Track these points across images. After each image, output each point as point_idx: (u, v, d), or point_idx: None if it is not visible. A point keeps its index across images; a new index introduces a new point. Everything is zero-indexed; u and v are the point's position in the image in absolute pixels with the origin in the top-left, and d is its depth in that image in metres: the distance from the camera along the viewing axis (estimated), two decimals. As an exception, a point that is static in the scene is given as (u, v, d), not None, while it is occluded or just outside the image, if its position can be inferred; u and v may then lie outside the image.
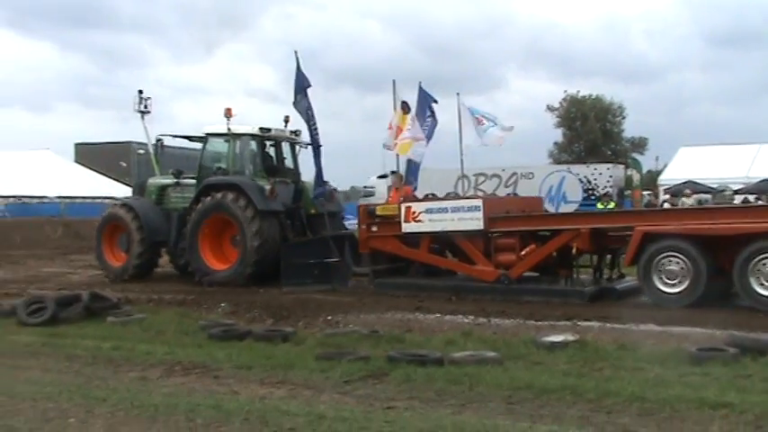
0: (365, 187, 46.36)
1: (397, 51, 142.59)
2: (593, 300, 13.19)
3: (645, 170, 53.72)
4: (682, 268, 12.40)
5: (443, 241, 15.14)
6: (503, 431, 6.34)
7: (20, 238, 30.90)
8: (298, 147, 18.40)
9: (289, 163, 18.31)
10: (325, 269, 15.52)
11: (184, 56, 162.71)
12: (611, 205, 28.38)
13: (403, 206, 15.28)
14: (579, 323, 11.23)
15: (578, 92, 66.41)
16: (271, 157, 18.07)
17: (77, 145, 71.10)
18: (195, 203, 16.70)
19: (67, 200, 43.45)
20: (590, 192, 38.24)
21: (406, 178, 19.35)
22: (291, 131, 18.11)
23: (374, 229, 15.54)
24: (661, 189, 42.58)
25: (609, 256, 14.47)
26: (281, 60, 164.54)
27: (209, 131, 17.67)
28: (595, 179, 39.02)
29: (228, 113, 16.94)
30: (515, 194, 30.18)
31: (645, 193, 44.36)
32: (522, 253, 14.04)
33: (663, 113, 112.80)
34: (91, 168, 54.74)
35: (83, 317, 12.54)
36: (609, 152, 63.32)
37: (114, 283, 17.07)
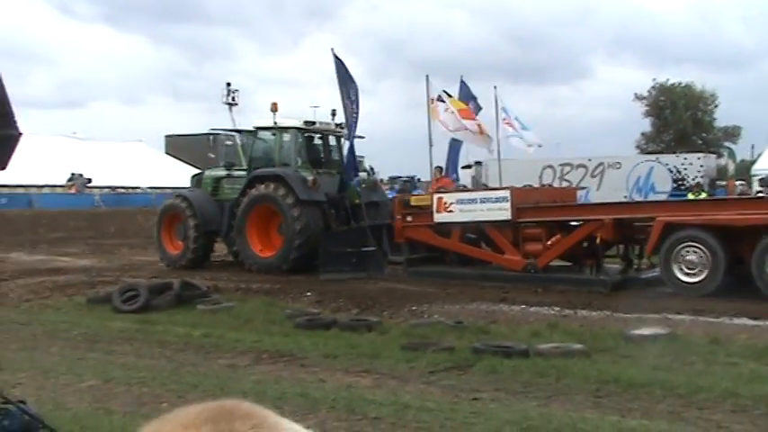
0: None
1: (482, 41, 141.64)
2: (616, 289, 13.28)
3: (738, 159, 52.03)
4: (701, 258, 12.52)
5: (475, 231, 15.37)
6: (591, 425, 6.25)
7: (114, 227, 31.83)
8: (343, 139, 18.56)
9: (334, 155, 18.67)
10: (363, 257, 15.91)
11: (271, 48, 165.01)
12: (703, 195, 27.63)
13: (435, 197, 15.67)
14: (669, 316, 10.96)
15: (668, 80, 64.63)
16: (317, 149, 18.47)
17: (167, 137, 72.92)
18: (243, 194, 17.25)
19: (158, 190, 44.59)
20: (679, 182, 37.29)
21: (446, 171, 19.76)
22: (337, 124, 18.35)
23: (409, 219, 15.87)
24: (755, 179, 41.21)
25: (637, 247, 14.44)
26: (367, 51, 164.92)
27: (258, 125, 18.21)
28: (685, 169, 37.99)
29: (275, 107, 17.63)
30: (550, 185, 29.46)
31: (738, 183, 43.03)
32: (549, 243, 14.29)
33: (758, 101, 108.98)
34: (180, 159, 56.08)
35: (174, 304, 12.89)
36: (699, 141, 61.51)
37: (172, 269, 17.70)
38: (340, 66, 17.04)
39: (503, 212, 14.41)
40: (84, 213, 36.01)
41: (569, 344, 9.11)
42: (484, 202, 14.81)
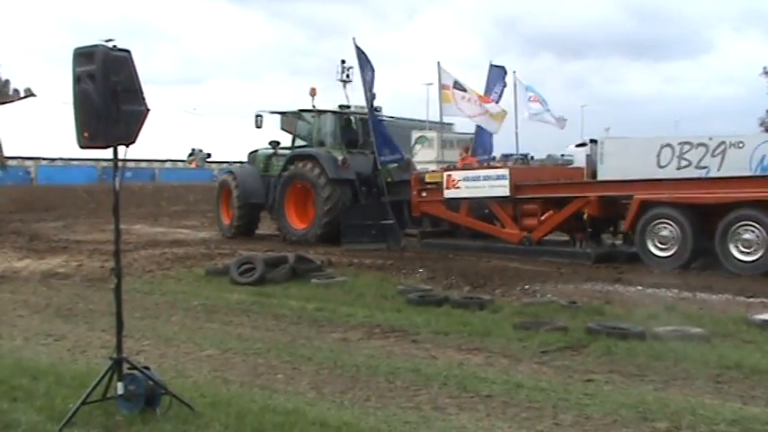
0: (563, 156, 45.38)
1: (600, 15, 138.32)
2: (599, 261, 14.29)
3: None
4: (672, 234, 13.63)
5: (480, 206, 16.55)
6: (711, 411, 6.05)
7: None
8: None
9: (371, 136, 19.19)
10: (382, 230, 17.24)
11: (385, 24, 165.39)
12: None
13: (445, 174, 17.04)
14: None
15: (798, 53, 61.36)
16: (353, 130, 19.59)
17: (282, 113, 74.03)
18: (284, 171, 18.84)
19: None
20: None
21: (474, 149, 21.34)
22: (374, 108, 18.99)
23: (424, 194, 17.29)
24: None
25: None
26: (481, 27, 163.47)
27: (301, 108, 19.70)
28: (815, 148, 36.16)
29: (313, 92, 19.22)
30: (559, 164, 29.51)
31: None
32: (543, 218, 15.54)
33: None
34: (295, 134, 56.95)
35: (288, 278, 13.14)
36: (831, 118, 58.31)
37: (226, 238, 19.58)
38: (360, 54, 18.15)
39: (502, 189, 15.75)
40: (203, 187, 37.21)
41: (688, 327, 8.82)
42: (486, 179, 16.14)
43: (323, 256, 14.94)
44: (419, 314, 10.21)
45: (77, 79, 5.80)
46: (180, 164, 53.50)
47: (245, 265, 13.43)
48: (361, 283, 12.61)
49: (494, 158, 21.42)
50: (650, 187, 14.38)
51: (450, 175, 16.84)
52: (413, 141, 55.18)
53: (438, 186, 16.90)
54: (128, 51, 5.85)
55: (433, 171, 19.11)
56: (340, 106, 19.33)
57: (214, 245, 17.58)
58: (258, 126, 20.29)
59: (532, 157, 50.47)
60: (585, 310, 10.22)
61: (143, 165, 46.10)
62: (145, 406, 5.75)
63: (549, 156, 57.07)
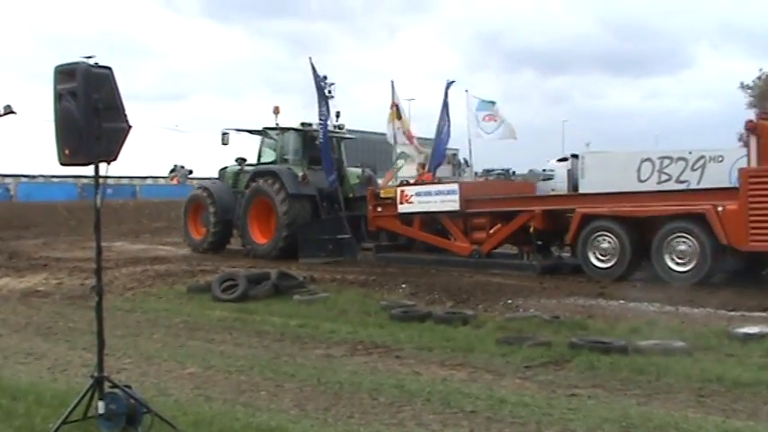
0: (544, 170, 45.55)
1: (580, 31, 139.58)
2: (544, 273, 14.77)
3: None
4: (611, 246, 14.11)
5: (433, 220, 16.96)
6: (693, 425, 6.07)
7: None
8: (338, 139, 20.32)
9: (334, 153, 19.80)
10: (338, 244, 17.73)
11: (368, 41, 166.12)
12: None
13: (398, 189, 17.64)
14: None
15: (775, 69, 62.12)
16: (316, 147, 19.52)
17: (266, 129, 74.03)
18: (246, 187, 19.33)
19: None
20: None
21: (429, 166, 21.58)
22: (335, 126, 19.79)
23: (379, 209, 17.71)
24: None
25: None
26: (462, 43, 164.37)
27: (266, 126, 20.21)
28: (793, 162, 36.50)
29: (276, 111, 19.86)
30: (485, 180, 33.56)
31: None
32: (491, 231, 16.08)
33: None
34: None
35: (270, 294, 13.11)
36: (808, 133, 58.88)
37: (196, 252, 19.97)
38: (315, 74, 18.81)
39: (453, 204, 16.24)
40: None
41: (670, 341, 8.86)
42: (438, 194, 16.68)
43: (305, 272, 14.91)
44: (402, 330, 10.20)
45: (59, 97, 5.79)
46: (161, 180, 53.34)
47: (228, 281, 13.39)
48: (344, 299, 12.58)
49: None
50: (591, 201, 14.96)
51: (403, 191, 17.43)
52: (395, 157, 55.16)
53: (392, 201, 17.37)
54: (109, 68, 5.85)
55: (388, 186, 19.46)
56: (302, 124, 19.81)
57: (196, 261, 17.50)
58: (225, 143, 20.53)
59: (514, 173, 50.71)
60: (568, 324, 10.23)
61: (124, 181, 45.89)
62: (126, 425, 5.70)
63: (530, 171, 57.25)
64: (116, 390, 5.81)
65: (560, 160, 40.90)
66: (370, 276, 14.68)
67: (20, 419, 6.09)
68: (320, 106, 18.68)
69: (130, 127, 5.89)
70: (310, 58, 18.83)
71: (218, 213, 19.89)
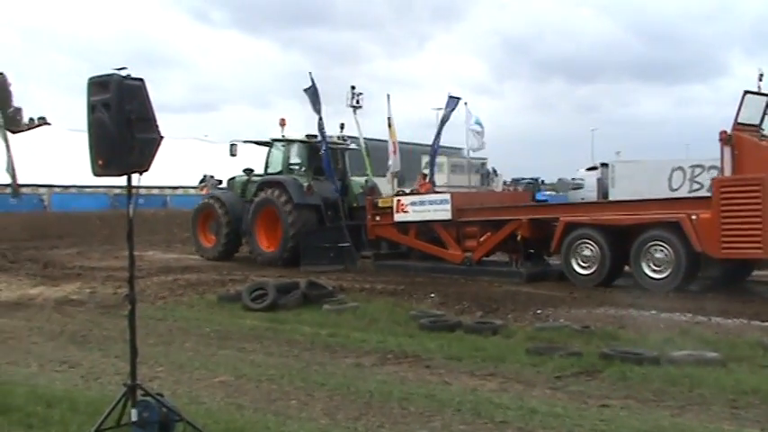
0: (573, 179, 45.39)
1: (610, 39, 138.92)
2: (531, 280, 15.20)
3: None
4: (593, 253, 14.53)
5: (428, 228, 17.45)
6: (728, 437, 6.01)
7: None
8: (342, 150, 21.18)
9: (339, 164, 20.78)
10: (339, 252, 18.15)
11: (397, 50, 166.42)
12: None
13: (395, 199, 18.21)
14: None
15: (810, 76, 61.28)
16: (321, 158, 19.94)
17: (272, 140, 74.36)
18: (254, 197, 19.94)
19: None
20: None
21: (430, 177, 23.11)
22: (339, 137, 21.03)
23: (377, 218, 18.23)
24: None
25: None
26: (492, 51, 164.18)
27: (273, 138, 20.87)
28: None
29: (282, 123, 20.60)
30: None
31: None
32: (482, 239, 16.51)
33: None
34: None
35: (300, 303, 13.15)
36: (844, 140, 58.03)
37: (207, 260, 20.48)
38: (314, 87, 19.41)
39: (445, 213, 16.76)
40: (215, 214, 37.18)
41: (703, 352, 8.77)
42: (431, 204, 17.24)
43: (335, 282, 14.94)
44: (432, 339, 10.19)
45: (92, 108, 5.86)
46: (191, 190, 53.67)
47: (257, 291, 13.45)
48: (374, 308, 12.59)
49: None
50: (574, 210, 15.81)
51: (399, 200, 18.02)
52: (422, 166, 55.29)
53: (390, 211, 17.89)
54: (141, 80, 5.91)
55: (386, 196, 19.95)
56: (307, 136, 20.27)
57: (226, 271, 17.61)
58: (233, 154, 20.95)
59: (543, 182, 50.49)
60: (599, 334, 10.16)
61: (155, 191, 46.28)
62: (159, 433, 5.74)
63: (559, 180, 57.05)
64: (149, 398, 5.86)
65: (590, 169, 40.76)
66: (399, 286, 14.68)
67: (55, 426, 6.16)
68: (319, 119, 19.26)
69: (162, 138, 5.95)
70: (310, 73, 19.52)
71: (232, 222, 20.47)
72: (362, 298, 13.62)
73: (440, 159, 60.23)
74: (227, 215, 20.55)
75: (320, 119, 19.26)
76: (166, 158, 8.26)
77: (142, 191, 39.88)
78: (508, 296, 13.33)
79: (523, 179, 50.11)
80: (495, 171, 63.16)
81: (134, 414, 5.72)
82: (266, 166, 20.99)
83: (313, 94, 19.42)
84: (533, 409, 6.90)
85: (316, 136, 19.87)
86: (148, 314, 12.44)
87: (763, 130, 14.83)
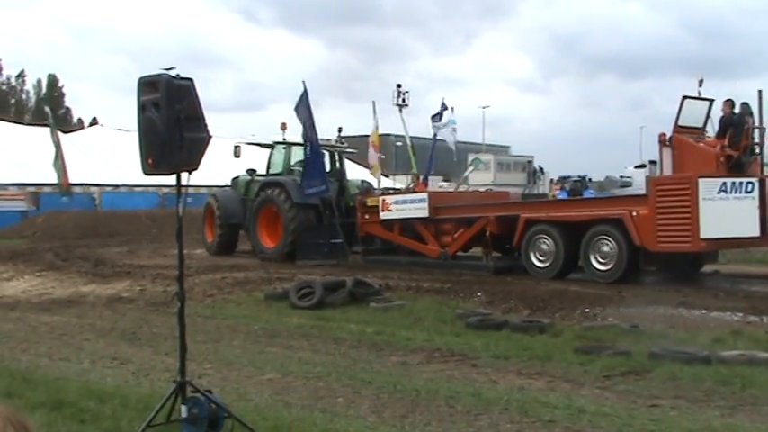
0: (621, 177, 44.87)
1: (661, 34, 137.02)
2: (498, 273, 16.07)
3: None
4: (549, 248, 15.43)
5: (409, 226, 18.46)
6: (781, 438, 5.90)
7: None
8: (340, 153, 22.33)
9: (336, 165, 22.07)
10: (332, 248, 19.14)
11: (443, 47, 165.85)
12: None
13: (381, 198, 19.21)
14: None
15: None
16: (322, 160, 20.78)
17: (341, 138, 74.75)
18: (257, 196, 20.89)
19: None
20: None
21: (424, 178, 23.71)
22: (337, 141, 22.14)
23: (366, 216, 19.30)
24: None
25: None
26: (540, 48, 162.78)
27: (275, 141, 22.05)
28: None
29: (283, 127, 21.49)
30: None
31: None
32: (456, 235, 17.52)
33: None
34: (352, 160, 57.22)
35: (347, 301, 13.19)
36: None
37: (212, 254, 21.75)
38: (305, 96, 19.78)
39: (422, 211, 17.84)
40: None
41: (755, 352, 8.62)
42: (411, 202, 18.33)
43: (381, 280, 14.97)
44: (478, 338, 10.16)
45: (142, 108, 5.95)
46: (239, 189, 54.07)
47: (304, 289, 13.53)
48: (420, 306, 12.58)
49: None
50: (533, 207, 17.07)
51: (384, 200, 19.05)
52: (468, 163, 55.15)
53: (376, 209, 18.96)
54: (190, 80, 5.99)
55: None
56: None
57: (273, 269, 17.72)
58: (237, 156, 21.45)
59: (590, 179, 50.01)
60: (648, 334, 10.04)
61: (203, 190, 46.74)
62: (208, 429, 5.82)
63: (607, 177, 56.44)
64: (198, 394, 5.94)
65: (638, 167, 40.21)
66: (446, 284, 14.64)
67: (107, 422, 6.27)
68: (305, 128, 19.81)
69: (210, 137, 6.02)
70: (303, 82, 20.03)
71: (223, 218, 21.76)
72: (409, 296, 13.62)
73: (486, 157, 60.37)
74: (220, 212, 21.82)
75: (312, 126, 19.81)
76: (213, 158, 8.34)
77: (191, 190, 40.32)
78: (555, 295, 13.22)
79: (570, 177, 49.64)
80: (541, 169, 62.78)
81: (184, 410, 5.80)
82: (268, 167, 22.12)
83: (305, 103, 19.88)
84: (581, 408, 6.85)
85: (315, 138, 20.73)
86: (197, 312, 12.58)
87: (706, 132, 16.03)
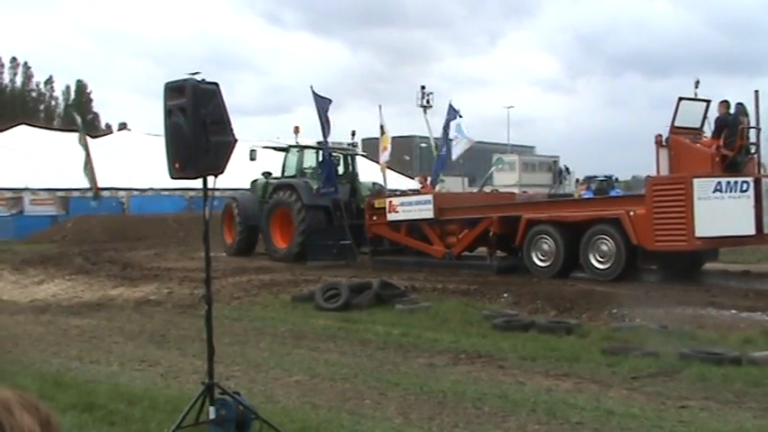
0: (648, 177, 44.58)
1: (688, 32, 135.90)
2: (500, 272, 16.28)
3: None
4: (549, 247, 15.68)
5: (416, 227, 18.73)
6: (813, 440, 5.83)
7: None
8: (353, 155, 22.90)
9: (348, 168, 22.62)
10: (341, 249, 19.57)
11: (468, 48, 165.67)
12: None
13: (388, 200, 19.51)
14: None
15: None
16: (333, 163, 21.64)
17: (364, 140, 74.99)
18: (270, 198, 21.56)
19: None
20: None
21: (432, 180, 24.87)
22: (349, 144, 22.71)
23: (374, 218, 19.53)
24: None
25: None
26: (564, 47, 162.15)
27: (290, 144, 22.57)
28: None
29: (296, 130, 21.99)
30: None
31: None
32: (460, 236, 17.78)
33: None
34: (376, 162, 57.22)
35: (373, 303, 13.20)
36: None
37: (230, 256, 22.04)
38: (318, 100, 20.57)
39: (428, 212, 18.12)
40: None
41: (787, 352, 8.52)
42: (417, 204, 18.65)
43: (407, 282, 14.96)
44: (505, 339, 10.13)
45: (168, 112, 6.00)
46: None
47: (331, 291, 13.56)
48: (446, 308, 12.57)
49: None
50: (534, 208, 17.16)
51: (391, 201, 19.40)
52: (493, 162, 54.96)
53: (384, 211, 19.22)
54: (215, 84, 6.03)
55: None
56: (318, 143, 21.60)
57: (299, 271, 17.78)
58: (252, 159, 21.74)
59: (617, 179, 49.67)
60: (677, 334, 9.95)
61: (228, 193, 46.98)
62: (236, 431, 5.84)
63: (633, 177, 56.10)
64: (226, 396, 5.97)
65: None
66: (472, 285, 14.60)
67: (136, 424, 6.32)
68: (323, 130, 20.46)
69: (236, 140, 6.06)
70: (311, 87, 20.71)
71: (244, 220, 22.23)
72: (435, 298, 13.61)
73: (511, 158, 60.18)
74: (240, 214, 22.31)
75: (325, 130, 20.42)
76: (238, 161, 8.39)
77: (216, 193, 40.51)
78: (582, 295, 13.13)
79: (596, 177, 49.34)
80: (567, 169, 62.47)
81: (212, 412, 5.83)
82: (283, 170, 22.63)
83: (318, 106, 20.52)
84: (610, 409, 6.81)
85: (327, 143, 21.17)
86: (224, 314, 12.65)
87: (703, 132, 16.22)
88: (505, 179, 53.42)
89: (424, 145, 46.33)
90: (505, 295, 13.55)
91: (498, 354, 9.39)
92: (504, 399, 7.29)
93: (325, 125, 20.56)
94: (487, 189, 35.81)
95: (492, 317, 11.48)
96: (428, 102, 23.29)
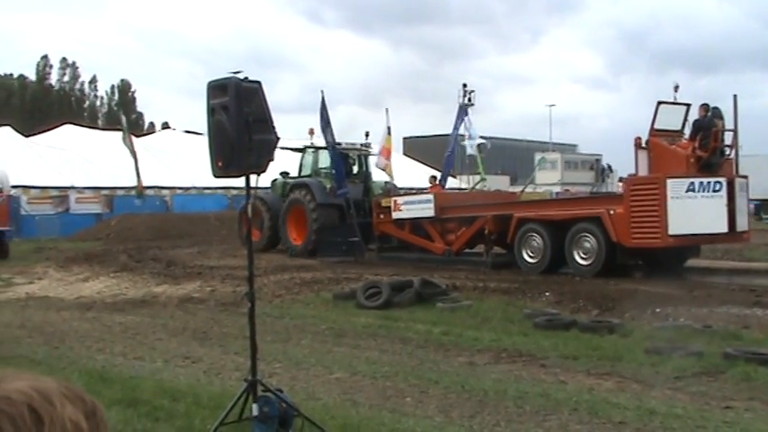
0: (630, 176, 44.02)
1: (733, 27, 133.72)
2: (495, 268, 17.11)
3: None
4: (538, 244, 16.46)
5: (418, 224, 19.54)
6: None
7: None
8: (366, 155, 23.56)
9: (362, 168, 23.39)
10: (350, 246, 20.49)
11: (510, 45, 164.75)
12: None
13: (393, 199, 20.34)
14: None
15: None
16: (348, 163, 22.80)
17: (405, 138, 74.93)
18: (287, 197, 22.45)
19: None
20: None
21: (440, 180, 25.24)
22: (362, 144, 23.25)
23: (381, 216, 20.48)
24: None
25: None
26: (608, 44, 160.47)
27: (306, 145, 23.68)
28: None
29: (311, 132, 23.29)
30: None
31: None
32: (459, 233, 18.64)
33: None
34: (417, 160, 57.26)
35: (414, 302, 13.21)
36: None
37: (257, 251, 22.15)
38: (324, 106, 21.26)
39: (429, 210, 18.97)
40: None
41: (835, 353, 8.37)
42: (419, 203, 19.52)
43: (447, 280, 14.95)
44: (546, 338, 10.08)
45: (212, 111, 6.06)
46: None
47: (372, 289, 13.60)
48: (487, 306, 12.54)
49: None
50: (525, 207, 18.18)
51: (396, 200, 20.22)
52: (535, 162, 54.61)
53: (390, 209, 20.10)
54: (258, 83, 6.08)
55: (387, 197, 21.58)
56: (329, 144, 21.98)
57: (340, 269, 17.86)
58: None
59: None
60: (721, 334, 9.83)
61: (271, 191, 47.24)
62: (278, 428, 5.90)
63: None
64: (268, 393, 6.02)
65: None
66: (513, 284, 14.55)
67: (180, 420, 6.41)
68: (325, 134, 21.29)
69: (278, 138, 6.10)
70: (322, 92, 21.31)
71: (272, 219, 22.84)
72: (475, 296, 13.58)
73: (553, 156, 59.75)
74: (270, 212, 22.88)
75: (330, 133, 21.21)
76: (276, 159, 8.44)
77: (259, 191, 40.86)
78: (625, 294, 13.02)
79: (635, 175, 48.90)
80: (609, 167, 61.85)
81: (255, 409, 5.89)
82: (300, 170, 23.66)
83: (322, 111, 21.23)
84: (652, 409, 6.74)
85: (340, 144, 21.98)
86: (266, 312, 12.72)
87: (684, 134, 16.63)
88: (547, 178, 53.07)
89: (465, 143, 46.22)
90: (547, 294, 13.48)
91: (540, 352, 9.34)
92: (545, 397, 7.26)
93: (327, 128, 21.22)
94: (530, 189, 35.63)
95: (533, 315, 11.43)
96: (470, 100, 23.07)
